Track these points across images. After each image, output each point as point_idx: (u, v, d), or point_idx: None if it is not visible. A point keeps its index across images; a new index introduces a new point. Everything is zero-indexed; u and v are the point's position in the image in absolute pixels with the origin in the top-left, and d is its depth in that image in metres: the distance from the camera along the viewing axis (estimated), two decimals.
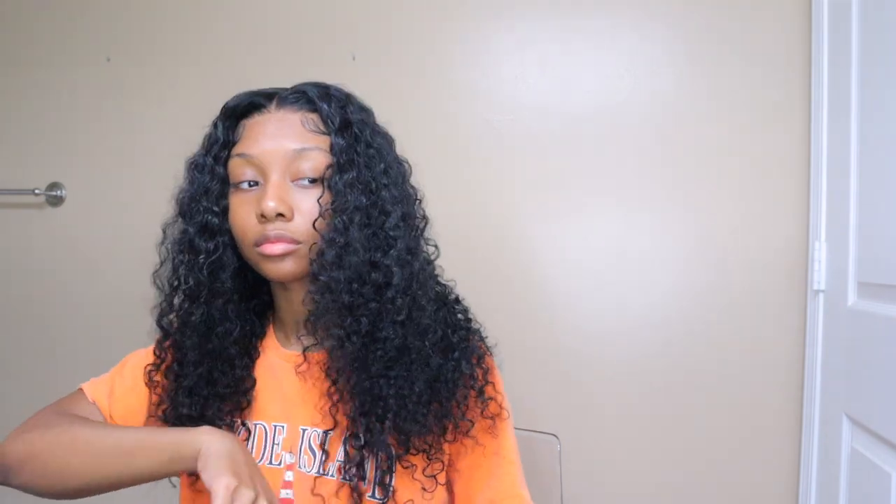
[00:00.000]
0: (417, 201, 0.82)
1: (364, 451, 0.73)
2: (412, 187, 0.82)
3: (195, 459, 0.63)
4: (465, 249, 1.44)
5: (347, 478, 0.74)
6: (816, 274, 1.25)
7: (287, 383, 0.80)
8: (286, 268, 0.73)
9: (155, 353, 0.80)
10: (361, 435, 0.73)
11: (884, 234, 1.03)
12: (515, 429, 0.89)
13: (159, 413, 0.79)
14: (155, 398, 0.80)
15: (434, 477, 0.76)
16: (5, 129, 1.67)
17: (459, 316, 0.83)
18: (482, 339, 0.85)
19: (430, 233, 0.84)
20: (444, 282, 0.86)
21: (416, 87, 1.47)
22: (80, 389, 0.83)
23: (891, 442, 0.98)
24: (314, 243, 0.73)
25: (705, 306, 1.36)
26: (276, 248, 0.72)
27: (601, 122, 1.40)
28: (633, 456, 1.38)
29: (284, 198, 0.72)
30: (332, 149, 0.73)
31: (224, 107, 0.78)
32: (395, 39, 1.48)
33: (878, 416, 1.03)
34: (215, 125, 0.78)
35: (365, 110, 0.80)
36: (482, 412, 0.79)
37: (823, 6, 1.25)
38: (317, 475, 0.75)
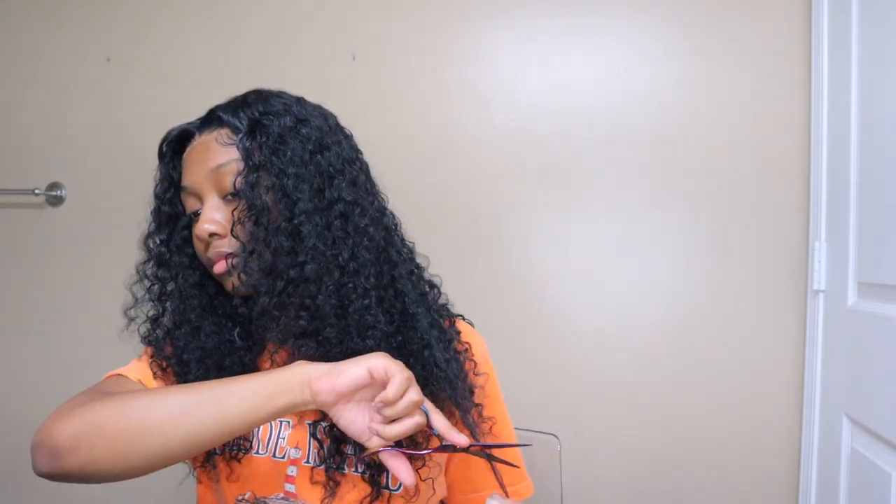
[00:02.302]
0: (345, 183, 0.75)
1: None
2: (345, 171, 0.76)
3: (304, 386, 0.63)
4: (463, 249, 1.44)
5: (361, 471, 0.75)
6: (816, 274, 1.25)
7: None
8: (235, 282, 0.76)
9: (153, 357, 0.82)
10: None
11: (884, 234, 1.03)
12: (516, 429, 0.90)
13: None
14: None
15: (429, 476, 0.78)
16: (5, 129, 1.67)
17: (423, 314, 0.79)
18: (460, 340, 0.83)
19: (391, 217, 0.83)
20: (425, 280, 0.84)
21: (416, 86, 1.47)
22: (117, 374, 0.80)
23: (891, 442, 0.98)
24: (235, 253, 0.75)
25: (705, 306, 1.36)
26: (219, 267, 0.76)
27: (601, 121, 1.40)
28: (632, 455, 1.39)
29: (216, 217, 0.75)
30: (241, 154, 0.74)
31: (159, 145, 0.81)
32: (395, 39, 1.48)
33: (878, 416, 1.03)
34: (158, 165, 0.82)
35: (286, 104, 0.77)
36: (479, 413, 0.80)
37: (823, 6, 1.25)
38: (326, 468, 0.75)
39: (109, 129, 1.61)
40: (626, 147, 1.39)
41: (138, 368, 0.82)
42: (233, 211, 0.74)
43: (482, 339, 0.88)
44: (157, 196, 0.82)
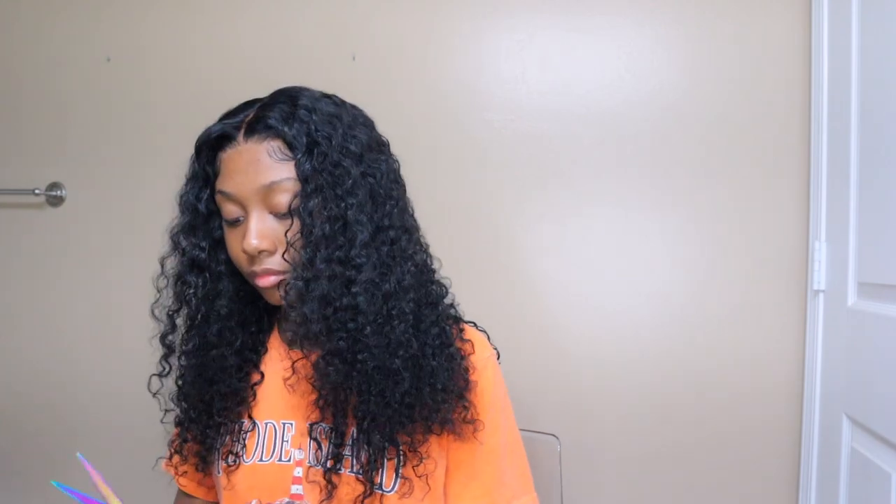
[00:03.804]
0: (396, 209, 0.76)
1: (369, 445, 0.74)
2: (393, 193, 0.77)
3: None
4: (463, 250, 1.44)
5: (356, 471, 0.75)
6: (816, 274, 1.25)
7: (291, 381, 0.81)
8: (280, 295, 0.75)
9: (160, 364, 0.83)
10: (359, 431, 0.75)
11: (884, 234, 1.03)
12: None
13: (178, 431, 0.84)
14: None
15: (422, 475, 0.78)
16: (5, 129, 1.67)
17: (442, 326, 0.79)
18: (462, 339, 0.83)
19: (425, 234, 0.83)
20: (436, 282, 0.83)
21: (416, 87, 1.47)
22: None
23: (891, 442, 0.98)
24: (287, 276, 0.74)
25: (705, 306, 1.36)
26: (265, 282, 0.75)
27: (601, 122, 1.40)
28: (632, 456, 1.39)
29: (266, 233, 0.73)
30: (299, 175, 0.72)
31: (196, 143, 0.78)
32: (395, 39, 1.48)
33: (878, 416, 1.03)
34: (192, 161, 0.79)
35: (336, 115, 0.75)
36: (463, 417, 0.79)
37: (823, 6, 1.25)
38: (327, 469, 0.76)
39: (109, 128, 1.60)
40: (626, 147, 1.39)
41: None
42: (286, 232, 0.72)
43: (488, 349, 0.86)
44: (194, 195, 0.79)
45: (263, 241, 0.73)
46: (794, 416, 1.31)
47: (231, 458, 0.79)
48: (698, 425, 1.36)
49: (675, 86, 1.37)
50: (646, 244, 1.38)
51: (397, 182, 0.79)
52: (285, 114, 0.73)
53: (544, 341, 1.41)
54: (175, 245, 0.80)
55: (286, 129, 0.72)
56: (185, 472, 0.85)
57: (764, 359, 1.33)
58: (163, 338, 0.82)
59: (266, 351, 0.84)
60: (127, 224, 1.58)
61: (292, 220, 0.72)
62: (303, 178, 0.71)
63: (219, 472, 0.81)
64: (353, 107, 0.81)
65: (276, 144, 0.73)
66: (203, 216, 0.79)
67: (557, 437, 1.13)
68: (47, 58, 1.64)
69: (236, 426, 0.81)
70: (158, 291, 0.81)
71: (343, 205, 0.71)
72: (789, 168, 1.32)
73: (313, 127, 0.72)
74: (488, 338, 0.88)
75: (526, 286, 1.43)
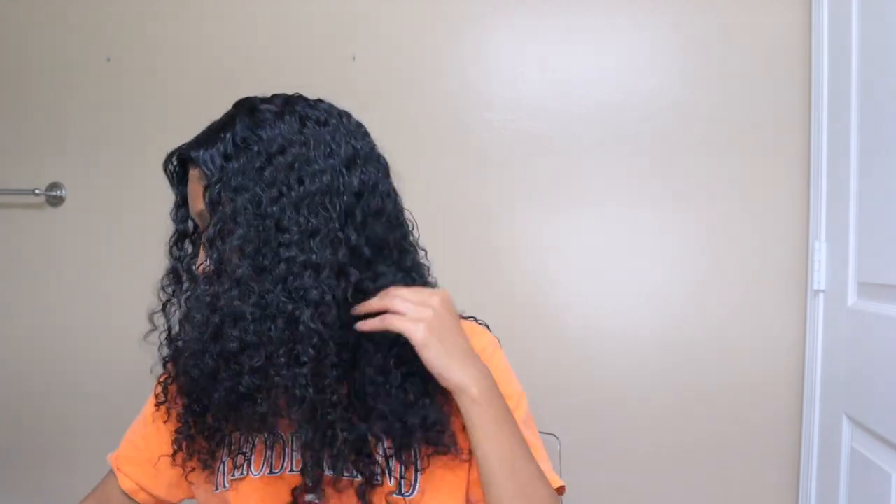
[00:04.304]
0: (295, 242, 0.67)
1: (383, 452, 0.73)
2: (303, 223, 0.67)
3: None
4: (464, 249, 1.44)
5: (369, 475, 0.74)
6: (816, 274, 1.25)
7: None
8: None
9: (164, 366, 0.80)
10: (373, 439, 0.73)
11: (884, 234, 1.03)
12: None
13: (180, 427, 0.79)
14: (170, 415, 0.80)
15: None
16: (5, 129, 1.67)
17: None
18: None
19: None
20: None
21: (416, 86, 1.47)
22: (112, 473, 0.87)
23: (891, 442, 0.98)
24: None
25: (705, 306, 1.36)
26: None
27: (601, 122, 1.40)
28: (632, 456, 1.38)
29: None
30: (206, 206, 0.70)
31: (164, 169, 0.80)
32: (395, 39, 1.48)
33: (878, 416, 1.03)
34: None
35: (255, 139, 0.69)
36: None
37: (823, 6, 1.25)
38: (341, 476, 0.74)
39: (109, 129, 1.60)
40: (626, 147, 1.39)
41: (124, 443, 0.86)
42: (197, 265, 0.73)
43: (485, 338, 0.84)
44: (173, 213, 0.81)
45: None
46: (794, 416, 1.31)
47: (238, 460, 0.77)
48: (698, 425, 1.36)
49: (675, 86, 1.37)
50: (646, 244, 1.38)
51: (325, 208, 0.69)
52: (210, 140, 0.72)
53: (544, 341, 1.41)
54: (168, 255, 0.82)
55: (203, 153, 0.71)
56: (193, 468, 0.82)
57: (764, 358, 1.33)
58: (168, 344, 0.79)
59: None
60: (127, 224, 1.58)
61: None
62: (210, 210, 0.70)
63: (226, 486, 0.79)
64: (308, 113, 0.73)
65: (201, 174, 0.72)
66: (179, 233, 0.80)
67: (557, 437, 1.13)
68: (47, 58, 1.64)
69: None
70: (163, 303, 0.81)
71: (229, 238, 0.68)
72: (789, 168, 1.32)
73: (222, 149, 0.70)
74: (488, 328, 0.87)
75: (526, 286, 1.43)
